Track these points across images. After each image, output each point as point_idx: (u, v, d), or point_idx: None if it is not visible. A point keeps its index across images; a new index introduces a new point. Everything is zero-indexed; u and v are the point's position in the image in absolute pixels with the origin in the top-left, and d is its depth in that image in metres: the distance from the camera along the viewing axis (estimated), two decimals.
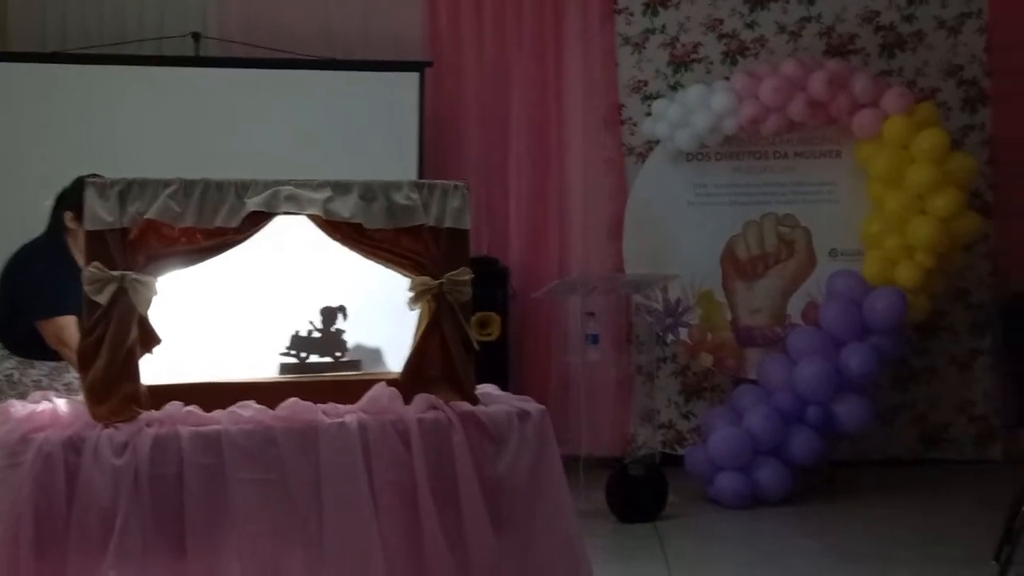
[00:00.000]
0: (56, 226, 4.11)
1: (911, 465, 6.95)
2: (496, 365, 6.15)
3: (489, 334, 6.27)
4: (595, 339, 6.14)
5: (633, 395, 7.16)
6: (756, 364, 6.57)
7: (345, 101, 6.83)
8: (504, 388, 3.54)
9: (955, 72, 7.15)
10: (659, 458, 6.32)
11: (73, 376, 3.96)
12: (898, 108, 6.35)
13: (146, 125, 6.60)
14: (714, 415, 6.31)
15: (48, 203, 4.16)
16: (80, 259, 3.95)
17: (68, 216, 4.06)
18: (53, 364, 3.98)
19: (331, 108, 6.80)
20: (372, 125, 6.82)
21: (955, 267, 6.58)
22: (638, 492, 5.74)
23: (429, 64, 7.02)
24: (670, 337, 6.77)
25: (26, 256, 4.12)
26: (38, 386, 3.84)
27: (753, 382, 6.44)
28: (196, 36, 6.99)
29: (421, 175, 6.66)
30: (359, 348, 3.32)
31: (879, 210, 6.43)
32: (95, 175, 3.22)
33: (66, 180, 4.14)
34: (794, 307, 6.74)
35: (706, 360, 6.81)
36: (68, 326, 3.84)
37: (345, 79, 6.90)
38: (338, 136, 6.72)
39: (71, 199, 4.03)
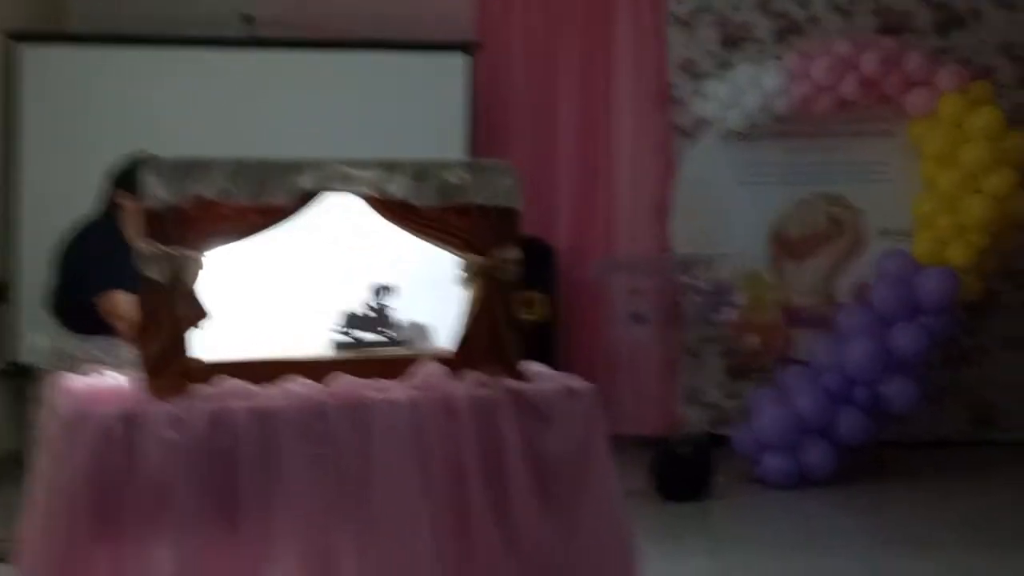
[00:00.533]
0: (108, 204, 4.18)
1: (961, 446, 6.88)
2: (542, 345, 6.14)
3: (536, 314, 6.27)
4: (642, 319, 6.13)
5: (679, 375, 7.14)
6: (804, 344, 6.53)
7: (394, 82, 6.85)
8: (550, 367, 3.56)
9: (1010, 49, 7.03)
10: (706, 438, 6.30)
11: (127, 352, 4.03)
12: (952, 86, 6.27)
13: (195, 106, 6.66)
14: (761, 395, 6.29)
15: (101, 182, 4.23)
16: (132, 236, 4.02)
17: (121, 194, 4.12)
18: (108, 340, 4.05)
19: (380, 89, 6.83)
20: (420, 106, 6.83)
21: (1008, 246, 6.48)
22: (684, 472, 5.75)
23: (478, 44, 7.02)
24: (717, 317, 6.74)
25: (80, 234, 4.19)
26: (94, 361, 3.90)
27: (801, 362, 6.40)
28: (247, 18, 7.03)
29: (470, 155, 6.67)
30: (409, 325, 3.35)
31: (931, 189, 6.36)
32: (147, 153, 3.27)
33: (116, 160, 4.22)
34: (844, 287, 6.69)
35: (753, 340, 6.77)
36: (123, 302, 3.90)
37: (394, 60, 6.92)
38: (386, 117, 6.74)
39: (123, 178, 4.10)
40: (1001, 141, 6.16)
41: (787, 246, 6.80)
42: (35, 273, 6.17)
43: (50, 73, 6.73)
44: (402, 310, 3.32)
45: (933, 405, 6.80)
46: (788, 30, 7.13)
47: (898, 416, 6.35)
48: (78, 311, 4.02)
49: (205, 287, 2.98)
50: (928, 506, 5.53)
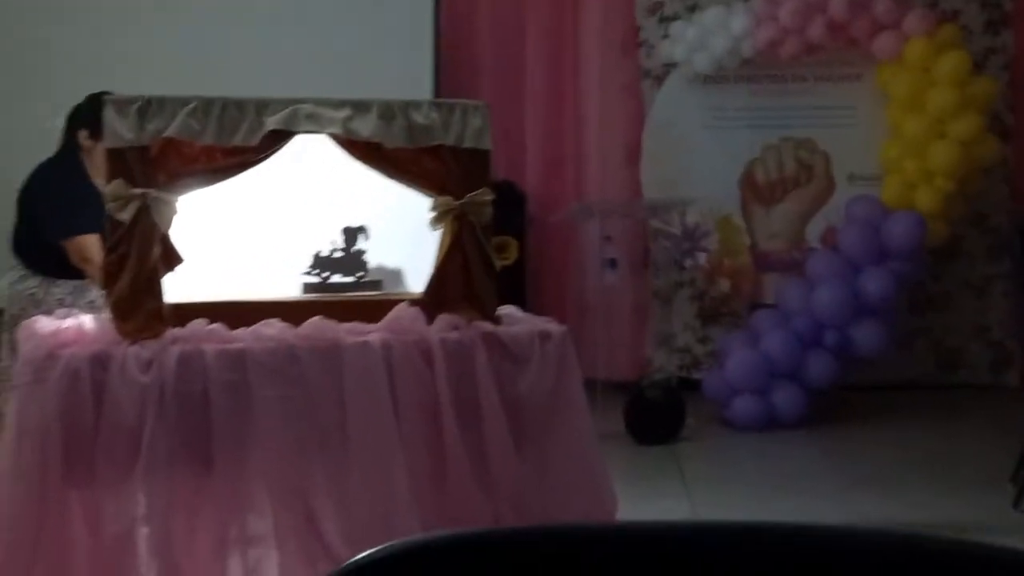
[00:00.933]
0: (70, 145, 4.10)
1: (927, 390, 6.95)
2: (513, 289, 6.12)
3: (506, 258, 6.23)
4: (613, 264, 6.13)
5: (650, 319, 7.16)
6: (774, 289, 6.56)
7: (359, 21, 6.76)
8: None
9: None
10: (676, 381, 6.34)
11: (96, 294, 3.98)
12: (919, 30, 6.26)
13: (156, 46, 6.53)
14: (731, 339, 6.32)
15: (60, 122, 4.15)
16: (96, 177, 3.95)
17: (82, 135, 4.05)
18: (75, 282, 4.00)
19: (345, 28, 6.73)
20: (387, 46, 6.75)
21: (974, 191, 6.52)
22: (655, 415, 5.78)
23: None
24: (688, 262, 6.75)
25: (43, 176, 4.11)
26: (61, 304, 3.85)
27: (770, 307, 6.43)
28: None
29: (436, 97, 6.61)
30: (380, 268, 3.33)
31: (898, 134, 6.37)
32: (107, 93, 3.20)
33: (77, 99, 4.13)
34: (812, 232, 6.72)
35: (723, 285, 6.80)
36: (91, 244, 3.85)
37: (359, 1, 6.83)
38: (352, 56, 6.65)
39: (84, 117, 4.02)
40: (968, 86, 6.17)
41: (756, 191, 6.81)
42: None
43: (7, 15, 6.58)
44: (374, 252, 3.28)
45: (900, 349, 6.86)
46: None
47: (866, 360, 6.41)
48: (44, 253, 3.96)
49: (177, 230, 2.94)
50: (894, 448, 5.59)
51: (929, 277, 6.91)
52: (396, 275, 3.40)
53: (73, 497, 2.75)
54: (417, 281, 3.30)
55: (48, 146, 4.19)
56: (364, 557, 1.08)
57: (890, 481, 4.95)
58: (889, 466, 5.22)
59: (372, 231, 3.28)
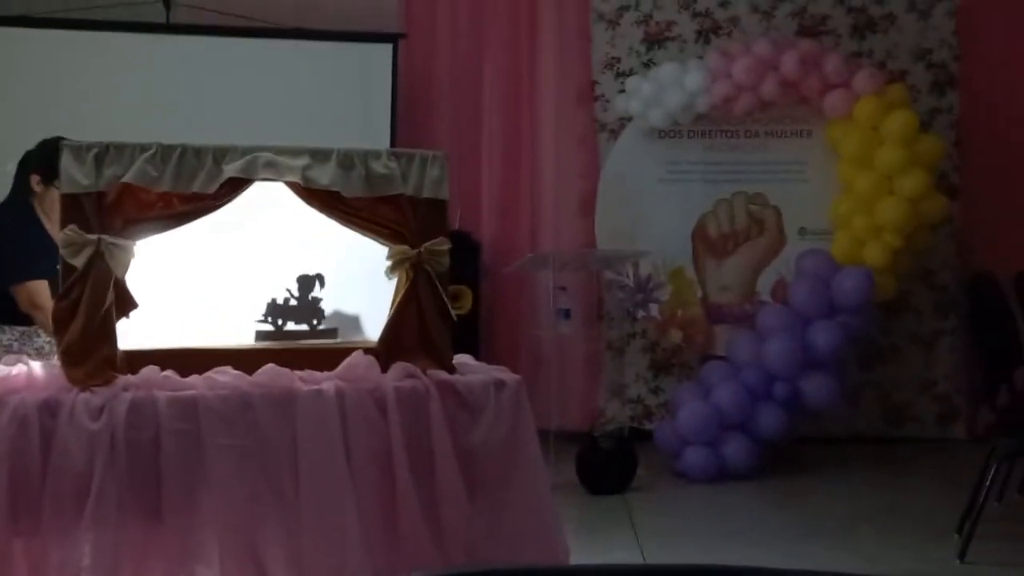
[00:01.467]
0: (21, 189, 4.07)
1: (874, 443, 7.03)
2: (467, 339, 6.15)
3: (460, 307, 6.26)
4: (567, 314, 6.16)
5: (603, 370, 7.19)
6: (725, 341, 6.62)
7: (318, 71, 6.80)
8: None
9: (924, 55, 7.20)
10: (628, 432, 6.35)
11: (44, 340, 3.94)
12: (868, 89, 6.40)
13: (114, 92, 6.53)
14: (683, 391, 6.36)
15: (11, 166, 4.12)
16: (47, 222, 3.93)
17: (34, 179, 4.02)
18: (23, 328, 3.95)
19: (304, 78, 6.77)
20: (345, 96, 6.80)
21: (921, 247, 6.65)
22: (607, 465, 5.79)
23: (402, 36, 7.00)
24: (640, 313, 6.80)
25: None
26: (8, 350, 3.81)
27: (722, 358, 6.49)
28: (166, 3, 6.91)
29: (393, 147, 6.64)
30: (336, 316, 3.33)
31: (848, 190, 6.49)
32: (62, 138, 3.19)
33: (30, 144, 4.10)
34: (763, 285, 6.80)
35: (676, 336, 6.85)
36: (41, 290, 3.81)
37: (318, 49, 6.87)
38: (310, 106, 6.69)
39: (37, 162, 4.00)
40: (915, 144, 6.31)
41: (708, 243, 6.89)
42: None
43: None
44: (330, 300, 3.28)
45: (849, 402, 6.95)
46: (710, 30, 7.22)
47: (815, 412, 6.47)
48: None
49: (131, 276, 2.92)
50: (843, 499, 5.65)
51: (878, 331, 7.02)
52: (352, 323, 3.40)
53: (18, 546, 2.70)
54: (373, 329, 3.30)
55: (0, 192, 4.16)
56: None
57: (840, 533, 4.98)
58: (839, 518, 5.26)
59: (328, 278, 3.28)
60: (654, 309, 6.74)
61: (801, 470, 6.28)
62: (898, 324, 7.18)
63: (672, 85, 6.62)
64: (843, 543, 4.81)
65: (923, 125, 6.65)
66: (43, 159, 3.89)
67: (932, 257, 7.09)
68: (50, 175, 3.84)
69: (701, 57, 6.81)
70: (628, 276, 6.54)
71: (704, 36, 7.21)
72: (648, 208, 6.87)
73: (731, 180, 6.90)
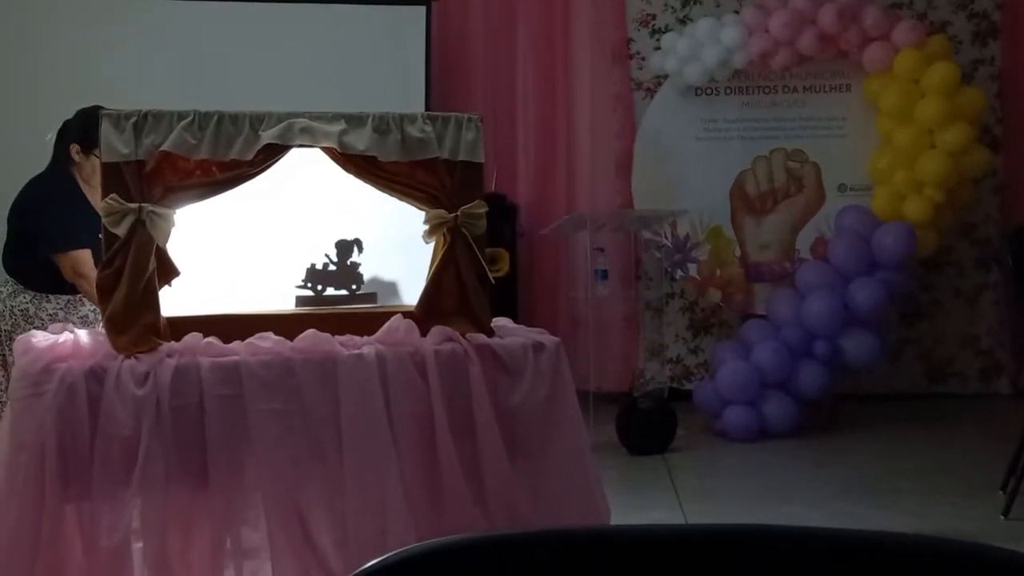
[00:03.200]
0: (62, 159, 4.10)
1: (916, 399, 6.99)
2: (505, 301, 6.16)
3: (498, 270, 6.28)
4: (604, 275, 6.15)
5: (641, 330, 7.19)
6: (764, 299, 6.59)
7: (352, 35, 6.79)
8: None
9: (965, 5, 7.08)
10: (667, 392, 6.36)
11: (88, 309, 3.99)
12: (908, 41, 6.31)
13: (149, 59, 6.56)
14: (722, 350, 6.34)
15: (50, 136, 4.15)
16: (87, 192, 3.97)
17: (74, 149, 4.05)
18: (68, 297, 4.00)
19: (339, 42, 6.76)
20: (379, 59, 6.79)
21: (963, 202, 6.57)
22: (647, 425, 5.80)
23: None
24: (679, 273, 6.78)
25: (36, 191, 4.10)
26: (54, 319, 3.87)
27: (761, 317, 6.46)
28: None
29: (429, 111, 6.62)
30: (375, 281, 3.34)
31: (888, 145, 6.42)
32: (100, 107, 3.21)
33: (68, 114, 4.13)
34: (803, 242, 6.75)
35: (714, 296, 6.83)
36: (85, 259, 3.85)
37: (352, 13, 6.85)
38: (345, 71, 6.69)
39: (76, 132, 4.02)
40: (956, 97, 6.22)
41: (747, 201, 6.84)
42: None
43: None
44: (369, 265, 3.30)
45: (889, 359, 6.91)
46: None
47: (856, 370, 6.44)
48: (36, 269, 3.96)
49: (172, 243, 2.95)
50: (885, 457, 5.62)
51: (919, 287, 6.95)
52: (390, 287, 3.41)
53: (69, 511, 2.75)
54: (411, 294, 3.31)
55: (40, 163, 4.19)
56: (373, 564, 1.09)
57: (881, 490, 4.97)
58: (880, 475, 5.24)
59: (366, 243, 3.29)
60: (692, 269, 6.72)
61: (842, 428, 6.26)
62: (939, 279, 7.11)
63: (708, 41, 6.55)
64: (886, 501, 4.79)
65: (965, 77, 6.55)
66: (82, 129, 3.92)
67: (974, 211, 7.00)
68: (90, 145, 3.88)
69: (737, 12, 6.73)
70: (666, 236, 6.52)
71: None
72: (685, 167, 6.82)
73: (769, 137, 6.84)
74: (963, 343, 7.14)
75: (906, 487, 5.01)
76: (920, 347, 7.14)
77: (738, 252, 6.82)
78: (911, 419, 6.50)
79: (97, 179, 3.13)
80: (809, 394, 6.08)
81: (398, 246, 3.32)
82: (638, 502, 4.79)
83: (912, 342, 7.13)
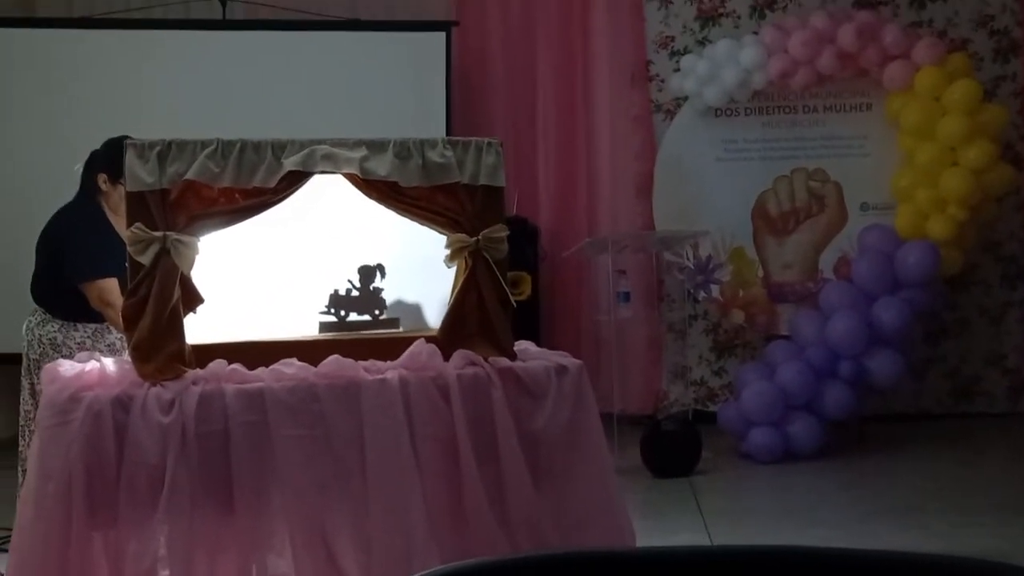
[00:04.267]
0: (89, 189, 4.14)
1: (942, 419, 6.94)
2: (527, 324, 6.15)
3: (520, 293, 6.28)
4: (626, 297, 6.14)
5: (664, 352, 7.17)
6: (788, 320, 6.57)
7: (372, 62, 6.84)
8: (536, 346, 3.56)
9: (986, 22, 7.06)
10: (691, 414, 6.34)
11: (115, 337, 4.02)
12: (929, 59, 6.29)
13: (174, 89, 6.63)
14: (746, 371, 6.31)
15: (78, 167, 4.19)
16: (114, 221, 4.00)
17: (101, 178, 4.09)
18: (95, 326, 4.03)
19: (358, 69, 6.81)
20: (399, 85, 6.83)
21: (987, 219, 6.53)
22: (672, 448, 5.78)
23: (455, 23, 7.00)
24: (701, 294, 6.76)
25: (64, 220, 4.14)
26: (81, 348, 3.90)
27: (785, 337, 6.43)
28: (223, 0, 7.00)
29: (449, 135, 6.66)
30: (397, 306, 3.35)
31: (910, 163, 6.39)
32: (127, 137, 3.25)
33: (96, 144, 4.17)
34: (826, 262, 6.73)
35: (737, 317, 6.80)
36: (112, 287, 3.89)
37: (372, 40, 6.90)
38: (366, 97, 6.73)
39: (103, 162, 4.06)
40: (978, 114, 6.19)
41: (768, 222, 6.83)
42: (10, 260, 6.14)
43: (23, 57, 6.67)
44: (391, 290, 3.31)
45: (915, 379, 6.86)
46: (764, 4, 7.14)
47: (881, 390, 6.40)
48: (64, 297, 4.00)
49: (196, 271, 2.98)
50: (911, 477, 5.58)
51: (944, 306, 6.91)
52: (413, 312, 3.42)
53: (96, 538, 2.77)
54: (434, 318, 3.32)
55: (68, 192, 4.23)
56: None
57: (909, 511, 4.92)
58: (908, 496, 5.20)
59: (388, 268, 3.30)
60: (715, 290, 6.69)
61: (868, 449, 6.22)
62: (965, 298, 7.07)
63: (727, 62, 6.56)
64: (913, 522, 4.75)
65: (986, 94, 6.52)
66: (109, 158, 3.96)
67: (998, 229, 6.96)
68: (116, 174, 3.91)
69: (756, 33, 6.74)
70: (688, 257, 6.50)
71: (759, 11, 7.13)
72: (706, 188, 6.82)
73: (790, 157, 6.83)
74: (989, 361, 7.09)
75: (934, 508, 4.96)
76: (946, 366, 7.09)
77: (761, 273, 6.81)
78: (938, 439, 6.45)
79: (123, 209, 3.16)
80: (834, 415, 6.04)
81: (420, 270, 3.34)
82: (663, 526, 4.77)
83: (938, 361, 7.08)
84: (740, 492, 5.52)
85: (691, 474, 5.71)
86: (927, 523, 4.72)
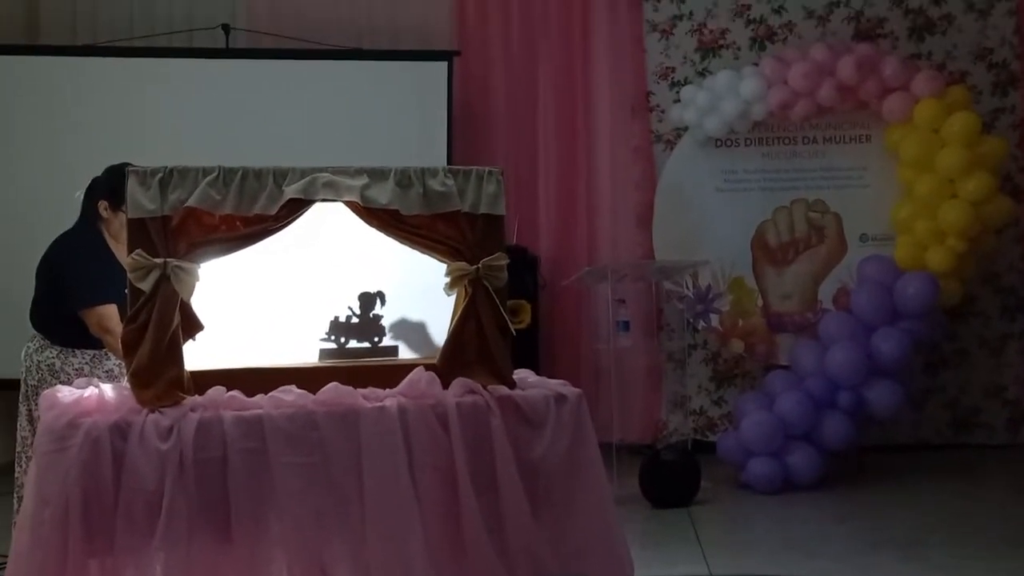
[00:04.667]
0: (90, 215, 4.14)
1: (942, 449, 6.93)
2: (527, 353, 6.16)
3: (520, 322, 6.28)
4: (626, 326, 6.15)
5: (664, 382, 7.17)
6: (787, 350, 6.57)
7: (374, 91, 6.88)
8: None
9: (985, 55, 7.11)
10: (691, 444, 6.32)
11: (114, 363, 4.01)
12: (928, 91, 6.33)
13: (177, 117, 6.67)
14: (746, 401, 6.31)
15: (79, 194, 4.20)
16: (114, 248, 4.01)
17: (102, 206, 4.09)
18: (94, 352, 4.03)
19: (361, 98, 6.85)
20: (401, 114, 6.86)
21: (986, 251, 6.55)
22: (671, 478, 5.76)
23: (457, 53, 7.05)
24: (701, 324, 6.77)
25: (64, 247, 4.14)
26: (80, 374, 3.89)
27: (784, 368, 6.44)
28: (226, 28, 7.04)
29: (450, 164, 6.68)
30: (397, 333, 3.35)
31: (909, 194, 6.42)
32: (128, 165, 3.26)
33: (98, 171, 4.18)
34: (825, 292, 6.74)
35: (737, 346, 6.81)
36: (111, 314, 3.88)
37: (374, 69, 6.95)
38: (368, 125, 6.77)
39: (104, 189, 4.07)
40: (977, 146, 6.22)
41: (768, 252, 6.84)
42: (11, 285, 6.15)
43: (27, 84, 6.71)
44: (391, 317, 3.31)
45: (914, 409, 6.86)
46: (765, 36, 7.19)
47: (881, 420, 6.39)
48: (64, 323, 3.99)
49: (196, 297, 2.98)
50: (911, 508, 5.56)
51: (943, 337, 6.91)
52: (412, 339, 3.42)
53: (93, 565, 2.75)
54: (433, 346, 3.32)
55: (69, 218, 4.24)
56: None
57: (910, 543, 4.90)
58: (908, 528, 5.18)
59: (388, 296, 3.31)
60: (714, 319, 6.71)
61: (867, 479, 6.20)
62: (964, 329, 7.07)
63: (728, 93, 6.60)
64: (913, 554, 4.73)
65: (985, 126, 6.57)
66: (110, 186, 3.97)
67: (998, 260, 6.98)
68: (118, 201, 3.92)
69: (756, 64, 6.78)
70: (687, 287, 6.51)
71: (759, 43, 7.19)
72: (706, 218, 6.84)
73: (790, 187, 6.87)
74: (989, 393, 7.08)
75: (934, 540, 4.94)
76: (945, 397, 7.09)
77: (760, 303, 6.82)
78: (937, 470, 6.43)
79: (124, 235, 3.16)
80: (834, 445, 6.03)
81: (420, 298, 3.34)
82: (662, 556, 4.75)
83: (937, 392, 7.08)
84: (739, 523, 5.50)
85: (690, 504, 5.69)
86: (927, 555, 4.70)
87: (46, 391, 3.05)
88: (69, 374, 3.93)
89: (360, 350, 3.27)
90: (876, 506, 5.64)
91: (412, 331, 3.39)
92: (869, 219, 6.71)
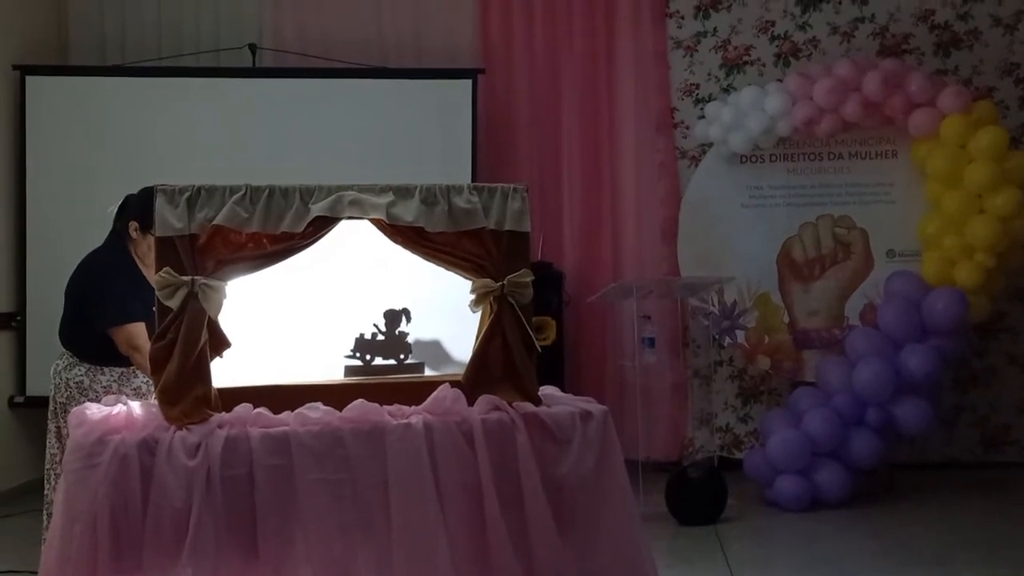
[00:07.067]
0: (120, 233, 4.17)
1: (972, 468, 6.87)
2: (552, 370, 6.15)
3: (545, 339, 6.23)
4: (651, 342, 6.13)
5: (689, 399, 7.15)
6: (814, 366, 6.53)
7: (399, 109, 6.91)
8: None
9: (1012, 70, 7.07)
10: (717, 461, 6.29)
11: (142, 381, 4.04)
12: (955, 107, 6.30)
13: (203, 135, 6.73)
14: (772, 418, 6.28)
15: (112, 209, 4.23)
16: (142, 267, 4.04)
17: (132, 226, 4.11)
18: (122, 370, 4.05)
19: (386, 116, 6.89)
20: (426, 132, 6.90)
21: (1015, 266, 6.49)
22: (698, 495, 5.74)
23: (482, 71, 7.07)
24: (727, 340, 6.74)
25: (93, 265, 4.17)
26: (108, 391, 3.92)
27: (811, 384, 6.40)
28: (252, 48, 7.10)
29: (475, 181, 6.70)
30: (423, 350, 3.35)
31: (937, 210, 6.38)
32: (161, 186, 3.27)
33: (128, 189, 4.21)
34: (852, 309, 6.70)
35: (763, 363, 6.78)
36: (139, 332, 3.91)
37: (399, 87, 6.98)
38: (393, 143, 6.80)
39: (136, 210, 4.09)
40: (1005, 161, 6.19)
41: (794, 268, 6.82)
42: (41, 303, 6.22)
43: (56, 104, 6.79)
44: (416, 334, 3.32)
45: (943, 426, 6.80)
46: (789, 52, 7.18)
47: (909, 438, 6.34)
48: (92, 341, 4.02)
49: (223, 315, 2.99)
50: (941, 527, 5.51)
51: (973, 353, 6.85)
52: (438, 356, 3.42)
53: None
54: (459, 363, 3.32)
55: (99, 237, 4.27)
56: None
57: (940, 562, 4.86)
58: (937, 546, 5.14)
59: (414, 313, 3.31)
60: (740, 336, 6.68)
61: (896, 497, 6.15)
62: (993, 345, 7.01)
63: (752, 109, 6.59)
64: (943, 572, 4.69)
65: (1013, 141, 6.53)
66: (142, 208, 3.98)
67: None
68: (147, 225, 3.94)
69: (781, 80, 6.77)
70: (713, 303, 6.49)
71: (783, 59, 7.18)
72: (731, 234, 6.83)
73: (816, 203, 6.84)
74: (1019, 410, 7.02)
75: (964, 559, 4.90)
76: (975, 414, 7.03)
77: (786, 319, 6.79)
78: (968, 488, 6.37)
79: (152, 258, 3.19)
80: (862, 463, 5.99)
81: (445, 315, 3.34)
82: (689, 574, 4.73)
83: (967, 409, 7.02)
84: (766, 541, 5.46)
85: (717, 522, 5.66)
86: (958, 574, 4.66)
87: (75, 408, 3.07)
88: (97, 391, 3.95)
89: (385, 367, 3.27)
90: (905, 524, 5.60)
91: (437, 348, 3.40)
92: (896, 235, 6.67)
